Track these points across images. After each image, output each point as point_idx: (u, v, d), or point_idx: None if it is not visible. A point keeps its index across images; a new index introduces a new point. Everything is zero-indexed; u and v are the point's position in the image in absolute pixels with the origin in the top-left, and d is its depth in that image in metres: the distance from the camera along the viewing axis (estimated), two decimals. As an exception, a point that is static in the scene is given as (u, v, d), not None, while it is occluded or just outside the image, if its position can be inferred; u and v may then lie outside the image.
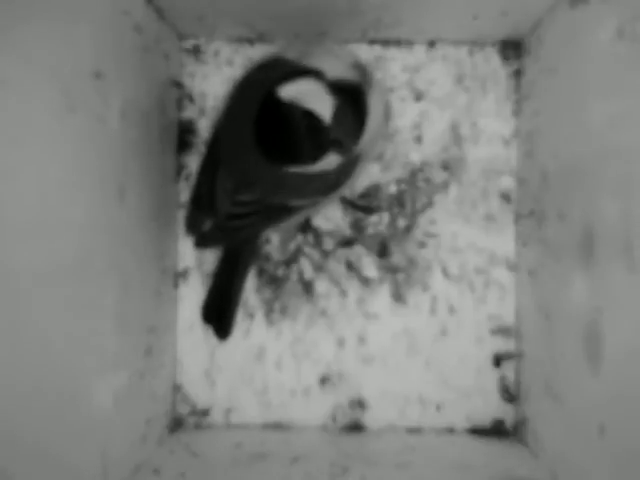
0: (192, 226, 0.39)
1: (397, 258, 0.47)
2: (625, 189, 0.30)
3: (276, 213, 0.37)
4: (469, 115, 0.47)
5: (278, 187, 0.35)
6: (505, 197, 0.47)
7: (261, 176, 0.35)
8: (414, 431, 0.46)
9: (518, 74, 0.47)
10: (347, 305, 0.47)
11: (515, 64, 0.47)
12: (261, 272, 0.47)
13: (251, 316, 0.47)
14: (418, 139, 0.47)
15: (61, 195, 0.30)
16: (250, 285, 0.47)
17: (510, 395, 0.46)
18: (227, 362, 0.47)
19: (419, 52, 0.47)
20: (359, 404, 0.47)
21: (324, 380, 0.47)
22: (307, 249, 0.47)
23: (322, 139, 0.32)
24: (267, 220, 0.38)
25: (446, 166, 0.47)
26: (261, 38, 0.46)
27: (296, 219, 0.41)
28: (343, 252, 0.47)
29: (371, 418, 0.47)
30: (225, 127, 0.36)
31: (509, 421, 0.46)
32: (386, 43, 0.47)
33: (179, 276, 0.47)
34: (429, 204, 0.47)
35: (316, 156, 0.32)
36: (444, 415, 0.46)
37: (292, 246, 0.47)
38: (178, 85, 0.47)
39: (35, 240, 0.28)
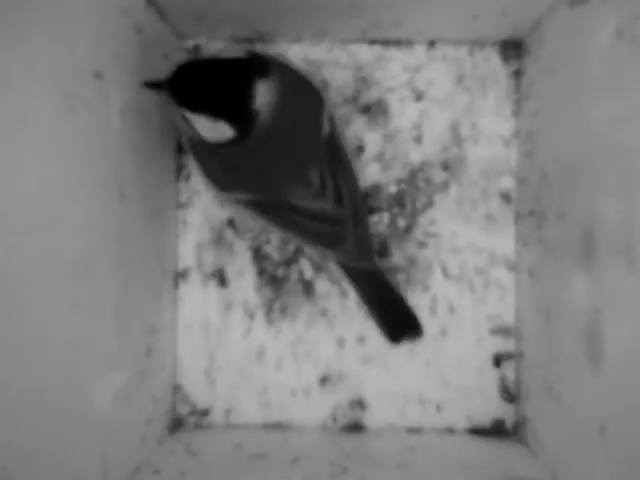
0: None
1: (397, 258, 0.47)
2: (625, 189, 0.30)
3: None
4: (469, 115, 0.47)
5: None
6: (505, 197, 0.47)
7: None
8: (414, 431, 0.46)
9: (518, 74, 0.47)
10: (347, 305, 0.47)
11: (515, 64, 0.47)
12: (261, 272, 0.47)
13: (251, 316, 0.47)
14: (418, 139, 0.47)
15: (61, 195, 0.30)
16: (250, 285, 0.47)
17: (510, 395, 0.46)
18: (227, 362, 0.47)
19: (419, 52, 0.47)
20: (359, 404, 0.47)
21: (324, 380, 0.47)
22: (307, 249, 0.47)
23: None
24: None
25: (446, 166, 0.47)
26: (261, 38, 0.46)
27: None
28: (343, 252, 0.47)
29: (371, 418, 0.47)
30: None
31: (509, 421, 0.46)
32: (386, 43, 0.47)
33: (179, 276, 0.47)
34: (429, 204, 0.47)
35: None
36: (444, 415, 0.46)
37: (292, 246, 0.47)
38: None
39: (35, 240, 0.28)
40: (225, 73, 0.34)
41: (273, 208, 0.39)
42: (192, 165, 0.47)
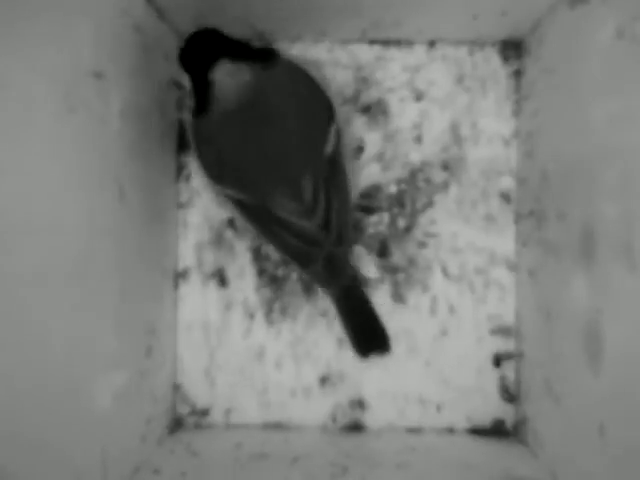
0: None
1: (397, 258, 0.47)
2: (625, 189, 0.30)
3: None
4: (469, 115, 0.47)
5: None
6: (505, 197, 0.47)
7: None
8: (414, 431, 0.46)
9: (518, 74, 0.47)
10: (347, 305, 0.47)
11: (515, 64, 0.47)
12: (261, 272, 0.47)
13: (251, 316, 0.47)
14: (418, 139, 0.47)
15: (61, 195, 0.30)
16: (250, 285, 0.47)
17: (510, 395, 0.46)
18: (227, 362, 0.47)
19: (419, 52, 0.47)
20: (359, 404, 0.47)
21: (324, 380, 0.47)
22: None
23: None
24: None
25: (446, 166, 0.47)
26: (261, 38, 0.46)
27: None
28: (343, 252, 0.47)
29: (371, 418, 0.47)
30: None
31: (509, 421, 0.46)
32: (386, 43, 0.47)
33: (179, 276, 0.47)
34: (429, 204, 0.47)
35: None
36: (444, 415, 0.46)
37: (292, 246, 0.47)
38: (178, 85, 0.46)
39: (35, 240, 0.28)
40: (211, 42, 0.37)
41: (257, 212, 0.39)
42: (192, 165, 0.47)
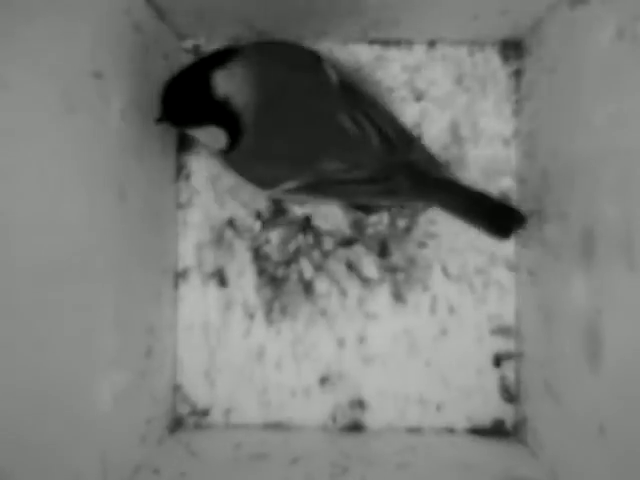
0: None
1: (397, 258, 0.47)
2: (625, 189, 0.30)
3: None
4: (469, 115, 0.47)
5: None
6: (505, 197, 0.47)
7: None
8: (414, 431, 0.46)
9: (518, 74, 0.47)
10: (347, 305, 0.47)
11: (515, 64, 0.47)
12: (261, 272, 0.47)
13: (251, 316, 0.47)
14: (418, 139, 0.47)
15: (61, 195, 0.30)
16: (250, 285, 0.47)
17: (510, 395, 0.46)
18: (227, 362, 0.47)
19: (419, 52, 0.47)
20: (359, 404, 0.47)
21: (324, 380, 0.47)
22: (307, 249, 0.47)
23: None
24: None
25: (446, 166, 0.47)
26: (261, 38, 0.46)
27: None
28: (343, 252, 0.47)
29: (371, 418, 0.47)
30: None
31: (509, 421, 0.46)
32: (386, 43, 0.47)
33: (179, 276, 0.47)
34: (429, 204, 0.47)
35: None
36: (444, 415, 0.46)
37: (292, 246, 0.47)
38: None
39: (35, 240, 0.28)
40: (184, 79, 0.35)
41: (325, 186, 0.39)
42: (192, 165, 0.47)
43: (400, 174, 0.39)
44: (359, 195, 0.41)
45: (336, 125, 0.38)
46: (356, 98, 0.39)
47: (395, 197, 0.41)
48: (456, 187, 0.42)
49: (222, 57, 0.36)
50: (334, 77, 0.39)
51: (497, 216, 0.42)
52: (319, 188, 0.40)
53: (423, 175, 0.40)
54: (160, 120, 0.37)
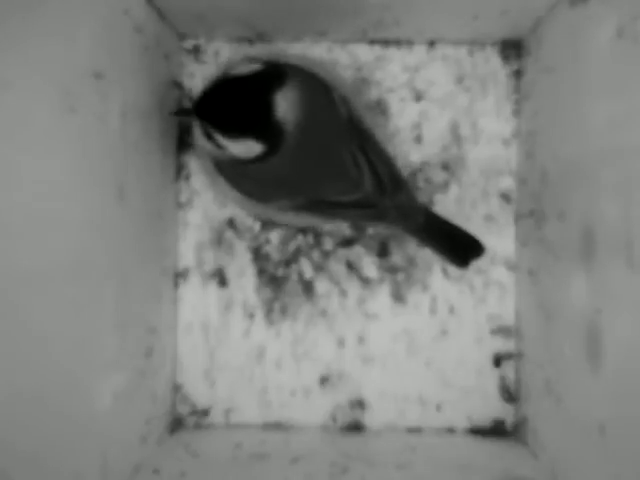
0: None
1: (397, 258, 0.47)
2: (625, 189, 0.30)
3: None
4: (469, 115, 0.47)
5: None
6: (505, 197, 0.47)
7: None
8: (414, 431, 0.46)
9: (518, 74, 0.47)
10: (347, 305, 0.47)
11: (515, 64, 0.47)
12: (261, 272, 0.47)
13: (251, 316, 0.47)
14: (418, 139, 0.47)
15: (61, 195, 0.30)
16: (250, 285, 0.47)
17: (510, 395, 0.46)
18: (227, 362, 0.47)
19: (419, 52, 0.47)
20: (359, 404, 0.47)
21: (324, 380, 0.47)
22: (307, 249, 0.47)
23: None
24: None
25: (446, 166, 0.47)
26: (261, 38, 0.46)
27: None
28: (343, 252, 0.47)
29: (371, 418, 0.47)
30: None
31: (509, 421, 0.46)
32: (386, 43, 0.47)
33: (179, 276, 0.47)
34: (429, 204, 0.47)
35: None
36: (444, 415, 0.46)
37: (292, 246, 0.47)
38: (178, 85, 0.46)
39: (34, 240, 0.28)
40: (245, 90, 0.35)
41: (315, 207, 0.40)
42: (192, 165, 0.47)
43: (389, 208, 0.41)
44: (348, 217, 0.43)
45: (339, 160, 0.39)
46: (360, 135, 0.40)
47: (382, 221, 0.42)
48: (435, 219, 0.43)
49: (279, 76, 0.35)
50: (343, 110, 0.39)
51: (463, 248, 0.43)
52: (310, 208, 0.41)
53: (410, 209, 0.42)
54: (185, 114, 0.36)
